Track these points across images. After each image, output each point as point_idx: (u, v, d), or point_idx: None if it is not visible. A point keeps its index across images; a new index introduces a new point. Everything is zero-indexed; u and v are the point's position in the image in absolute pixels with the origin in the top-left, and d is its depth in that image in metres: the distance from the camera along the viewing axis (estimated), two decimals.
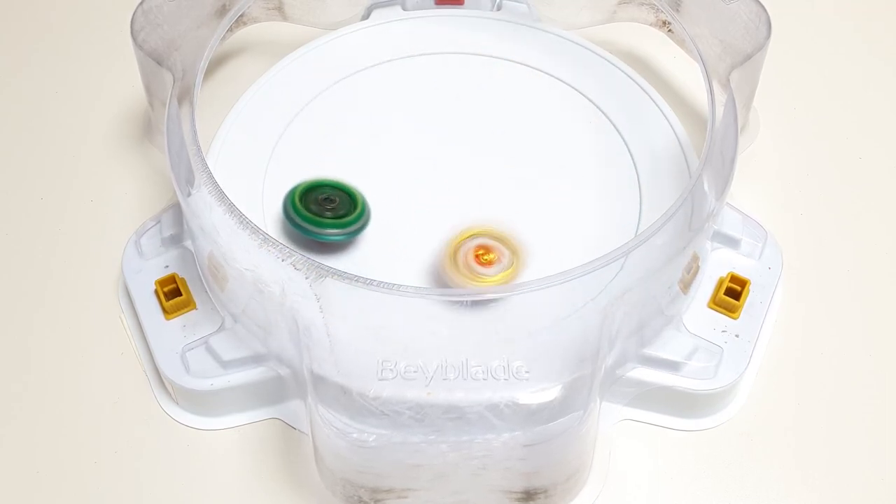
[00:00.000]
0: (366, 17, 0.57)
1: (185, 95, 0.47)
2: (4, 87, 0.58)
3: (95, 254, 0.51)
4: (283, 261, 0.41)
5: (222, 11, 0.52)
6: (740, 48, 0.49)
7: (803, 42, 0.60)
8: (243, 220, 0.42)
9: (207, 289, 0.47)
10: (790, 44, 0.58)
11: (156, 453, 0.45)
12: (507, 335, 0.42)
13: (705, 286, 0.47)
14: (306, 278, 0.41)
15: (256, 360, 0.45)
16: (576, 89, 0.53)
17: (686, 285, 0.46)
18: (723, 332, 0.46)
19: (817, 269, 0.50)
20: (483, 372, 0.41)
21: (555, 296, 0.41)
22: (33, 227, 0.52)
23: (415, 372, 0.41)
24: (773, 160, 0.54)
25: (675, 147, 0.51)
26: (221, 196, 0.43)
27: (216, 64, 0.57)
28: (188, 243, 0.48)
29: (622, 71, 0.54)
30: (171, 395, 0.46)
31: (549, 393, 0.40)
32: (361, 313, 0.41)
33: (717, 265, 0.48)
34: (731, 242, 0.48)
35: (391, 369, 0.41)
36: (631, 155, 0.51)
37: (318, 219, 0.47)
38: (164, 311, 0.46)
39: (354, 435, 0.40)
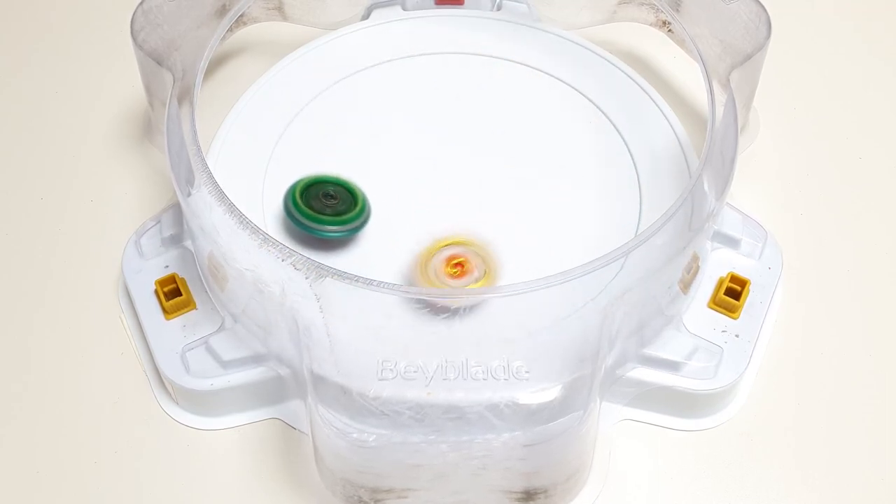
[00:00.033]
0: (366, 17, 0.57)
1: (185, 95, 0.47)
2: (4, 87, 0.58)
3: (95, 254, 0.51)
4: (283, 261, 0.41)
5: (222, 11, 0.52)
6: (740, 48, 0.49)
7: (803, 42, 0.60)
8: (243, 220, 0.42)
9: (207, 289, 0.47)
10: (790, 44, 0.58)
11: (156, 453, 0.45)
12: (507, 335, 0.42)
13: (705, 286, 0.47)
14: (306, 278, 0.41)
15: (256, 360, 0.45)
16: (576, 89, 0.53)
17: (686, 285, 0.46)
18: (723, 332, 0.46)
19: (817, 269, 0.50)
20: (483, 372, 0.41)
21: (555, 296, 0.41)
22: (33, 227, 0.52)
23: (415, 372, 0.41)
24: (773, 160, 0.54)
25: (675, 147, 0.51)
26: (221, 196, 0.43)
27: (216, 64, 0.57)
28: (188, 243, 0.48)
29: (622, 71, 0.54)
30: (171, 395, 0.46)
31: (549, 393, 0.40)
32: (361, 313, 0.41)
33: (717, 265, 0.48)
34: (731, 242, 0.48)
35: (391, 369, 0.41)
36: (631, 155, 0.51)
37: (318, 215, 0.47)
38: (164, 311, 0.46)
39: (354, 435, 0.40)
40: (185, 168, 0.45)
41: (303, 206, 0.47)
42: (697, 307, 0.47)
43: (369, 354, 0.41)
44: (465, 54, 0.55)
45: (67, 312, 0.49)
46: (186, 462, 0.45)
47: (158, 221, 0.49)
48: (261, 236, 0.42)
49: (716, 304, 0.47)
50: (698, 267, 0.46)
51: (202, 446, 0.45)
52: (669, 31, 0.55)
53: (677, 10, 0.51)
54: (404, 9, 0.57)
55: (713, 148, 0.45)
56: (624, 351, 0.44)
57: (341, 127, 0.52)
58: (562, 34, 0.56)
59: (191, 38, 0.50)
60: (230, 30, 0.53)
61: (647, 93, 0.53)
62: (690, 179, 0.46)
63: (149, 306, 0.47)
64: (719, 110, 0.47)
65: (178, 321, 0.46)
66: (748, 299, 0.47)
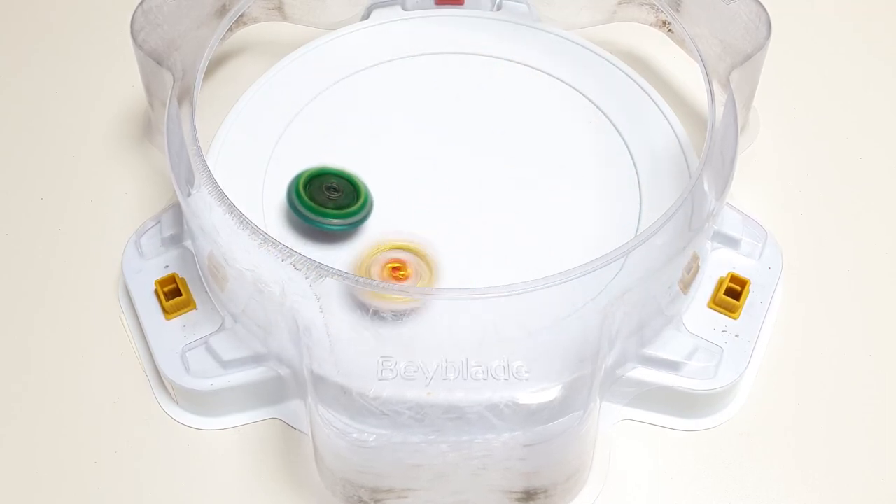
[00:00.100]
0: (366, 17, 0.57)
1: (185, 95, 0.47)
2: (4, 87, 0.58)
3: (95, 254, 0.51)
4: (283, 261, 0.41)
5: (222, 11, 0.52)
6: (740, 48, 0.49)
7: (803, 42, 0.60)
8: (243, 220, 0.42)
9: (207, 289, 0.47)
10: (790, 44, 0.58)
11: (156, 453, 0.45)
12: (507, 335, 0.42)
13: (705, 286, 0.47)
14: (306, 278, 0.41)
15: (256, 360, 0.45)
16: (576, 89, 0.53)
17: (686, 285, 0.46)
18: (723, 332, 0.46)
19: (817, 269, 0.50)
20: (483, 372, 0.41)
21: (555, 296, 0.41)
22: (33, 227, 0.52)
23: (415, 372, 0.41)
24: (773, 160, 0.54)
25: (675, 147, 0.51)
26: (221, 196, 0.43)
27: (216, 64, 0.57)
28: (188, 243, 0.48)
29: (622, 71, 0.54)
30: (171, 395, 0.46)
31: (549, 393, 0.40)
32: (361, 313, 0.41)
33: (717, 265, 0.48)
34: (731, 242, 0.48)
35: (391, 369, 0.41)
36: (631, 155, 0.51)
37: (320, 208, 0.47)
38: (164, 311, 0.46)
39: (354, 435, 0.40)
40: (185, 168, 0.45)
41: (306, 198, 0.47)
42: (697, 307, 0.47)
43: (369, 354, 0.41)
44: (465, 54, 0.55)
45: (67, 312, 0.49)
46: (186, 462, 0.45)
47: (158, 221, 0.49)
48: (261, 236, 0.42)
49: (716, 304, 0.47)
50: (698, 267, 0.46)
51: (202, 446, 0.45)
52: (669, 31, 0.55)
53: (677, 10, 0.51)
54: (404, 9, 0.57)
55: (713, 148, 0.45)
56: (624, 351, 0.44)
57: (341, 127, 0.52)
58: (562, 34, 0.56)
59: (191, 38, 0.50)
60: (230, 30, 0.53)
61: (647, 93, 0.53)
62: (690, 179, 0.46)
63: (149, 306, 0.47)
64: (719, 110, 0.47)
65: (178, 321, 0.46)
66: (748, 299, 0.47)
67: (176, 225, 0.48)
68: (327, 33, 0.56)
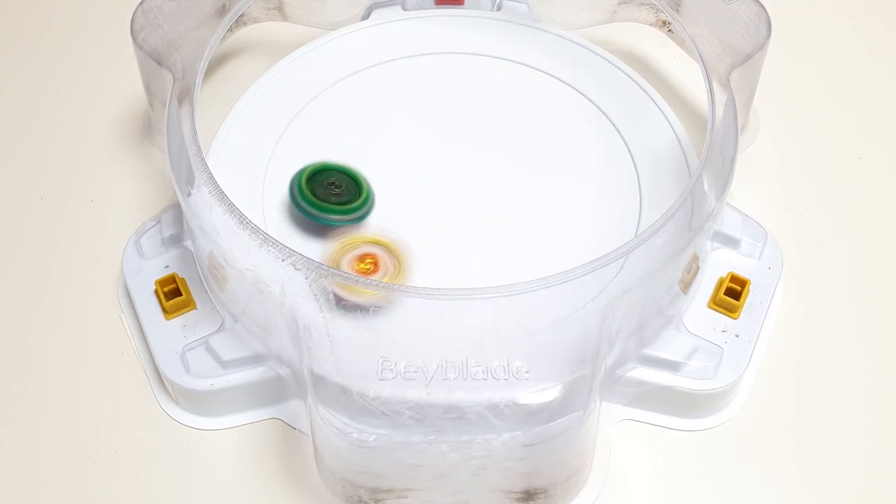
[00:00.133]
0: (366, 17, 0.57)
1: (185, 95, 0.47)
2: (4, 87, 0.58)
3: (95, 254, 0.51)
4: (283, 261, 0.41)
5: (222, 11, 0.52)
6: (740, 48, 0.49)
7: (803, 42, 0.60)
8: (243, 220, 0.42)
9: (207, 289, 0.47)
10: (790, 44, 0.58)
11: (156, 453, 0.45)
12: (507, 335, 0.42)
13: (705, 286, 0.47)
14: (306, 278, 0.41)
15: (256, 360, 0.45)
16: (576, 89, 0.53)
17: (686, 285, 0.46)
18: (723, 332, 0.46)
19: (817, 269, 0.50)
20: (483, 372, 0.41)
21: (555, 296, 0.41)
22: (33, 227, 0.52)
23: (415, 372, 0.41)
24: (773, 160, 0.54)
25: (675, 147, 0.51)
26: (221, 196, 0.43)
27: (216, 64, 0.57)
28: (188, 243, 0.48)
29: (622, 71, 0.54)
30: (171, 395, 0.46)
31: (549, 393, 0.40)
32: (362, 313, 0.41)
33: (717, 265, 0.48)
34: (731, 242, 0.48)
35: (391, 369, 0.41)
36: (631, 155, 0.51)
37: (322, 203, 0.47)
38: (164, 311, 0.46)
39: (354, 435, 0.40)
40: (185, 168, 0.45)
41: (308, 193, 0.47)
42: (697, 307, 0.47)
43: (369, 354, 0.41)
44: (465, 54, 0.55)
45: (67, 312, 0.49)
46: (186, 462, 0.45)
47: (158, 221, 0.49)
48: (261, 236, 0.42)
49: (716, 304, 0.47)
50: (698, 267, 0.46)
51: (202, 446, 0.45)
52: (669, 31, 0.55)
53: (677, 10, 0.51)
54: (404, 9, 0.57)
55: (713, 148, 0.45)
56: (624, 351, 0.44)
57: (341, 127, 0.52)
58: (562, 34, 0.56)
59: (191, 38, 0.50)
60: (230, 30, 0.53)
61: (647, 93, 0.53)
62: (690, 179, 0.46)
63: (149, 306, 0.47)
64: (719, 110, 0.47)
65: (178, 321, 0.46)
66: (748, 299, 0.47)
67: (176, 225, 0.48)
68: (327, 33, 0.56)
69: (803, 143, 0.55)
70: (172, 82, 0.48)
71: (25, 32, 0.60)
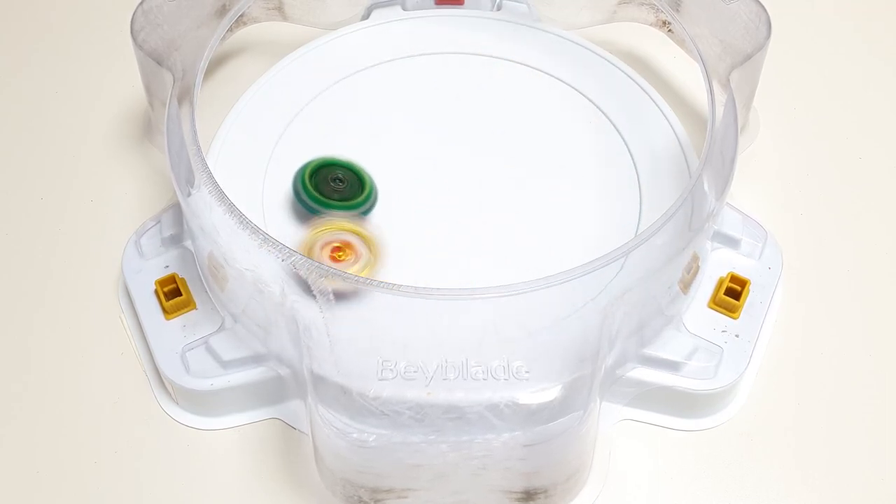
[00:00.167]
0: (366, 17, 0.57)
1: (185, 95, 0.47)
2: (4, 87, 0.58)
3: (95, 254, 0.51)
4: (283, 261, 0.41)
5: (222, 11, 0.52)
6: (740, 48, 0.49)
7: (803, 42, 0.60)
8: (243, 220, 0.42)
9: (207, 289, 0.47)
10: (790, 44, 0.58)
11: (156, 453, 0.45)
12: (507, 335, 0.42)
13: (705, 286, 0.47)
14: (306, 278, 0.41)
15: (256, 360, 0.45)
16: (576, 89, 0.53)
17: (686, 285, 0.46)
18: (723, 332, 0.46)
19: (817, 269, 0.50)
20: (483, 372, 0.41)
21: (555, 296, 0.41)
22: (33, 227, 0.52)
23: (415, 372, 0.41)
24: (773, 160, 0.54)
25: (675, 147, 0.51)
26: (221, 196, 0.43)
27: (216, 64, 0.57)
28: (188, 243, 0.48)
29: (622, 71, 0.54)
30: (171, 395, 0.46)
31: (549, 393, 0.40)
32: (361, 313, 0.41)
33: (717, 265, 0.48)
34: (731, 242, 0.48)
35: (391, 369, 0.41)
36: (631, 155, 0.51)
37: (324, 198, 0.47)
38: (164, 311, 0.46)
39: (354, 435, 0.40)
40: (185, 168, 0.45)
41: (311, 188, 0.47)
42: (697, 307, 0.47)
43: (369, 354, 0.41)
44: (465, 54, 0.55)
45: (67, 312, 0.49)
46: (186, 462, 0.45)
47: (158, 221, 0.49)
48: (261, 236, 0.42)
49: (716, 304, 0.47)
50: (698, 267, 0.46)
51: (202, 446, 0.45)
52: (669, 31, 0.55)
53: (677, 10, 0.51)
54: (404, 9, 0.57)
55: (713, 148, 0.45)
56: (624, 351, 0.44)
57: (341, 127, 0.52)
58: (562, 34, 0.56)
59: (191, 38, 0.50)
60: (230, 30, 0.53)
61: (647, 93, 0.53)
62: (690, 179, 0.46)
63: (149, 306, 0.47)
64: (719, 110, 0.47)
65: (178, 321, 0.46)
66: (748, 299, 0.47)
67: (176, 225, 0.48)
68: (327, 33, 0.56)
69: (803, 143, 0.55)
70: (172, 82, 0.48)
71: (25, 32, 0.60)
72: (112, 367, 0.47)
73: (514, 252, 0.47)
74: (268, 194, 0.49)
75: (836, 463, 0.45)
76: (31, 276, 0.50)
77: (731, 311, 0.46)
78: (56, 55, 0.59)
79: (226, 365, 0.44)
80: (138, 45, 0.49)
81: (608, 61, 0.54)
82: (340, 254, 0.46)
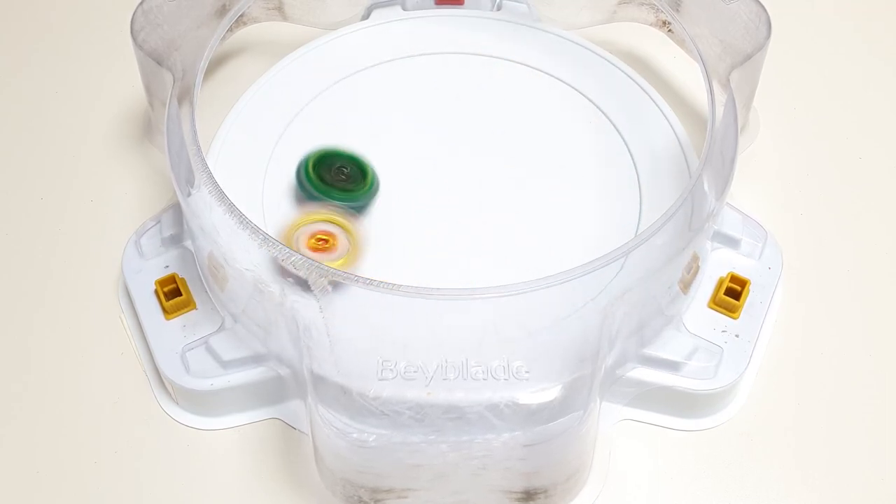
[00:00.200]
0: (366, 17, 0.57)
1: (185, 95, 0.47)
2: (4, 87, 0.58)
3: (95, 254, 0.51)
4: (282, 261, 0.41)
5: (222, 11, 0.52)
6: (740, 48, 0.49)
7: (803, 42, 0.60)
8: (243, 220, 0.42)
9: (207, 289, 0.47)
10: (790, 44, 0.58)
11: (156, 453, 0.45)
12: (507, 335, 0.42)
13: (705, 286, 0.47)
14: (306, 278, 0.41)
15: (256, 360, 0.45)
16: (576, 89, 0.53)
17: (686, 285, 0.46)
18: (723, 332, 0.46)
19: (817, 269, 0.50)
20: (483, 372, 0.41)
21: (555, 296, 0.41)
22: (33, 227, 0.52)
23: (415, 372, 0.41)
24: (773, 160, 0.54)
25: (675, 147, 0.51)
26: (221, 196, 0.43)
27: (216, 64, 0.57)
28: (188, 243, 0.48)
29: (622, 71, 0.54)
30: (171, 395, 0.46)
31: (549, 393, 0.40)
32: (361, 313, 0.41)
33: (717, 265, 0.48)
34: (731, 242, 0.48)
35: (391, 369, 0.41)
36: (631, 155, 0.51)
37: (327, 188, 0.48)
38: (164, 311, 0.46)
39: (354, 435, 0.40)
40: (185, 168, 0.45)
41: (314, 177, 0.48)
42: (697, 307, 0.47)
43: (369, 354, 0.41)
44: (465, 54, 0.55)
45: (67, 312, 0.49)
46: (186, 462, 0.45)
47: (158, 221, 0.49)
48: (261, 236, 0.42)
49: (716, 304, 0.47)
50: (698, 267, 0.46)
51: (202, 446, 0.45)
52: (669, 31, 0.55)
53: (677, 10, 0.51)
54: (404, 9, 0.57)
55: (713, 148, 0.45)
56: (624, 351, 0.44)
57: (341, 127, 0.52)
58: (562, 34, 0.56)
59: (191, 38, 0.50)
60: (230, 30, 0.53)
61: (647, 93, 0.53)
62: (690, 179, 0.46)
63: (149, 306, 0.47)
64: (719, 110, 0.47)
65: (178, 321, 0.46)
66: (748, 299, 0.47)
67: (176, 225, 0.48)
68: (327, 33, 0.56)
69: (803, 143, 0.55)
70: (172, 82, 0.48)
71: (25, 32, 0.60)
72: (112, 367, 0.47)
73: (514, 252, 0.47)
74: (268, 194, 0.49)
75: (836, 463, 0.45)
76: (31, 276, 0.50)
77: (731, 311, 0.46)
78: (56, 55, 0.59)
79: (226, 365, 0.44)
80: (138, 45, 0.49)
81: (608, 61, 0.54)
82: (321, 243, 0.46)
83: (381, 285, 0.41)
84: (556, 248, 0.47)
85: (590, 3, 0.56)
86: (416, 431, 0.40)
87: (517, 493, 0.42)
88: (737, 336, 0.46)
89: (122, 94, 0.57)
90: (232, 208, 0.43)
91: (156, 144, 0.54)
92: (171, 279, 0.47)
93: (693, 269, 0.46)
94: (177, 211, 0.48)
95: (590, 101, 0.53)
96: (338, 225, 0.47)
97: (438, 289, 0.41)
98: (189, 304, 0.46)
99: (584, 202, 0.49)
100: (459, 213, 0.49)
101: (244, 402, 0.45)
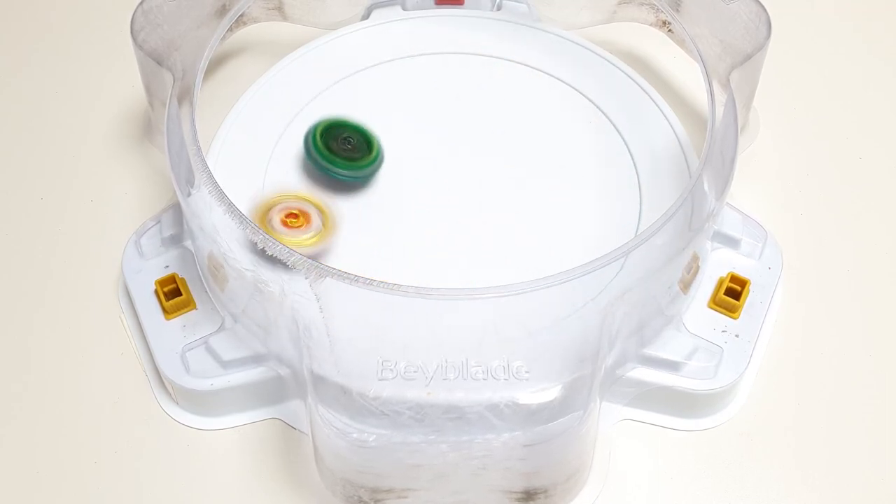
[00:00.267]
0: (366, 17, 0.57)
1: (185, 95, 0.47)
2: (4, 87, 0.58)
3: (95, 254, 0.51)
4: (283, 261, 0.41)
5: (222, 11, 0.52)
6: (740, 48, 0.49)
7: (803, 42, 0.60)
8: (243, 220, 0.42)
9: (207, 289, 0.47)
10: (790, 44, 0.58)
11: (156, 453, 0.45)
12: (507, 335, 0.42)
13: (705, 286, 0.47)
14: (306, 278, 0.41)
15: (256, 360, 0.45)
16: (576, 89, 0.53)
17: (686, 285, 0.46)
18: (723, 332, 0.46)
19: (817, 269, 0.50)
20: (483, 372, 0.41)
21: (555, 296, 0.41)
22: (33, 227, 0.52)
23: (415, 372, 0.41)
24: (773, 160, 0.54)
25: (675, 147, 0.51)
26: (221, 196, 0.43)
27: (216, 64, 0.57)
28: (188, 243, 0.48)
29: (622, 71, 0.54)
30: (171, 395, 0.46)
31: (549, 393, 0.40)
32: (361, 313, 0.41)
33: (717, 265, 0.48)
34: (731, 242, 0.48)
35: (391, 369, 0.41)
36: (631, 155, 0.51)
37: (332, 156, 0.49)
38: (164, 311, 0.46)
39: (354, 435, 0.40)
40: (185, 168, 0.45)
41: (320, 146, 0.48)
42: (697, 307, 0.47)
43: (369, 354, 0.41)
44: (465, 54, 0.55)
45: (67, 312, 0.49)
46: (186, 462, 0.45)
47: (158, 221, 0.49)
48: (261, 236, 0.42)
49: (716, 304, 0.47)
50: (698, 267, 0.46)
51: (202, 446, 0.45)
52: (669, 31, 0.55)
53: (677, 10, 0.51)
54: (404, 9, 0.57)
55: (713, 148, 0.45)
56: (624, 351, 0.44)
57: None
58: (562, 34, 0.56)
59: (191, 38, 0.50)
60: (230, 30, 0.53)
61: (647, 93, 0.53)
62: (690, 179, 0.46)
63: (149, 306, 0.47)
64: (719, 110, 0.47)
65: (178, 321, 0.46)
66: (748, 299, 0.47)
67: (176, 225, 0.48)
68: (327, 33, 0.56)
69: (803, 143, 0.55)
70: (172, 82, 0.48)
71: (25, 32, 0.60)
72: (112, 367, 0.47)
73: (514, 252, 0.47)
74: (268, 194, 0.49)
75: (836, 463, 0.45)
76: (31, 276, 0.50)
77: (731, 311, 0.46)
78: (56, 55, 0.59)
79: (226, 365, 0.44)
80: (138, 45, 0.49)
81: (608, 61, 0.54)
82: (293, 220, 0.46)
83: (381, 285, 0.41)
84: (556, 248, 0.47)
85: (590, 3, 0.56)
86: (416, 431, 0.40)
87: (517, 493, 0.42)
88: (737, 336, 0.46)
89: (122, 94, 0.57)
90: (232, 208, 0.43)
91: (156, 144, 0.54)
92: (171, 279, 0.47)
93: (693, 269, 0.46)
94: (177, 211, 0.48)
95: (590, 101, 0.53)
96: (314, 206, 0.47)
97: (438, 289, 0.41)
98: (189, 304, 0.46)
99: (584, 202, 0.49)
100: (459, 212, 0.49)
101: (244, 402, 0.45)
